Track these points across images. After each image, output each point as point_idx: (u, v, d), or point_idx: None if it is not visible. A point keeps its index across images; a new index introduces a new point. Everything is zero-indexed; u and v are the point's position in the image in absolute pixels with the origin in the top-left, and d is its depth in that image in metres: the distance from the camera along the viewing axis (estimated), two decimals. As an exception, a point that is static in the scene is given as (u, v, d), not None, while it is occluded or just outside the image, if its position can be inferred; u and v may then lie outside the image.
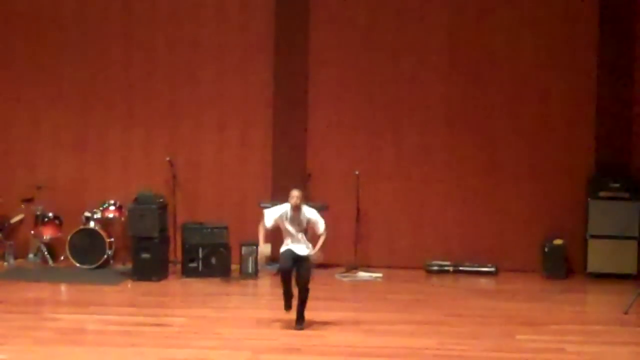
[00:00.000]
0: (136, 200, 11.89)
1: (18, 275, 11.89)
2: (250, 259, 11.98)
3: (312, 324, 9.29)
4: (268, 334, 9.07)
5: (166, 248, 12.10)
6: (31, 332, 8.96)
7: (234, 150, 13.06)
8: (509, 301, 10.99)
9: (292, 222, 9.23)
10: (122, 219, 12.57)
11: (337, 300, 10.84)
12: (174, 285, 11.68)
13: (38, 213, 12.56)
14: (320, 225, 9.29)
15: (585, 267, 12.42)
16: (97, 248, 12.27)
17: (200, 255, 11.94)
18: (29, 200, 12.63)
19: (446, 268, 12.62)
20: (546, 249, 12.40)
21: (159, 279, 11.64)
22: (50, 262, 12.51)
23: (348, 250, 12.66)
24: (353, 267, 12.52)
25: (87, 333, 9.16)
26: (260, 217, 9.46)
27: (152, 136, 13.07)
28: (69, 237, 12.30)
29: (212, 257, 11.96)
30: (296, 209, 9.21)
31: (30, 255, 12.72)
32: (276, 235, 9.80)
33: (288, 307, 9.29)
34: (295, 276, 9.22)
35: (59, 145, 13.12)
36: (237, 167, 13.05)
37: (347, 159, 12.90)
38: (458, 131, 12.85)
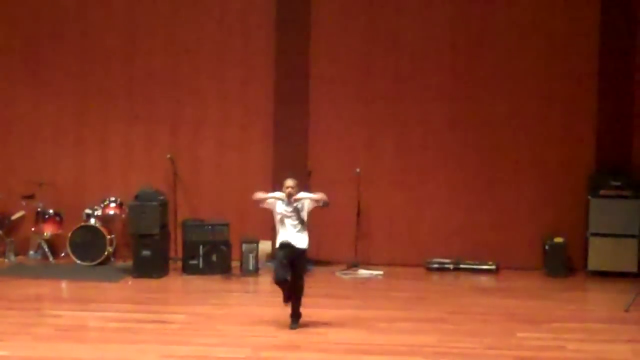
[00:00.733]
0: (137, 197, 11.88)
1: (19, 272, 11.89)
2: (251, 256, 11.99)
3: (313, 322, 9.30)
4: (268, 331, 9.07)
5: (167, 245, 12.09)
6: (32, 329, 8.97)
7: (235, 148, 13.05)
8: (509, 299, 10.97)
9: (288, 212, 9.03)
10: (123, 216, 12.58)
11: (337, 297, 10.84)
12: (175, 282, 11.68)
13: (39, 210, 12.56)
14: (313, 195, 9.17)
15: (585, 265, 12.42)
16: (98, 245, 12.28)
17: (201, 252, 11.94)
18: (29, 197, 12.63)
19: (447, 266, 12.62)
20: (547, 247, 12.40)
21: (160, 276, 11.64)
22: (51, 259, 12.51)
23: (349, 247, 12.66)
24: (354, 265, 12.51)
25: (87, 330, 9.17)
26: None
27: (153, 133, 13.06)
28: (69, 234, 12.30)
29: (213, 254, 11.96)
30: (291, 198, 9.00)
31: (31, 252, 12.73)
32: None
33: (288, 299, 9.22)
34: (290, 279, 9.05)
35: (60, 142, 13.11)
36: (237, 164, 13.05)
37: (348, 157, 12.89)
38: (459, 128, 12.84)
